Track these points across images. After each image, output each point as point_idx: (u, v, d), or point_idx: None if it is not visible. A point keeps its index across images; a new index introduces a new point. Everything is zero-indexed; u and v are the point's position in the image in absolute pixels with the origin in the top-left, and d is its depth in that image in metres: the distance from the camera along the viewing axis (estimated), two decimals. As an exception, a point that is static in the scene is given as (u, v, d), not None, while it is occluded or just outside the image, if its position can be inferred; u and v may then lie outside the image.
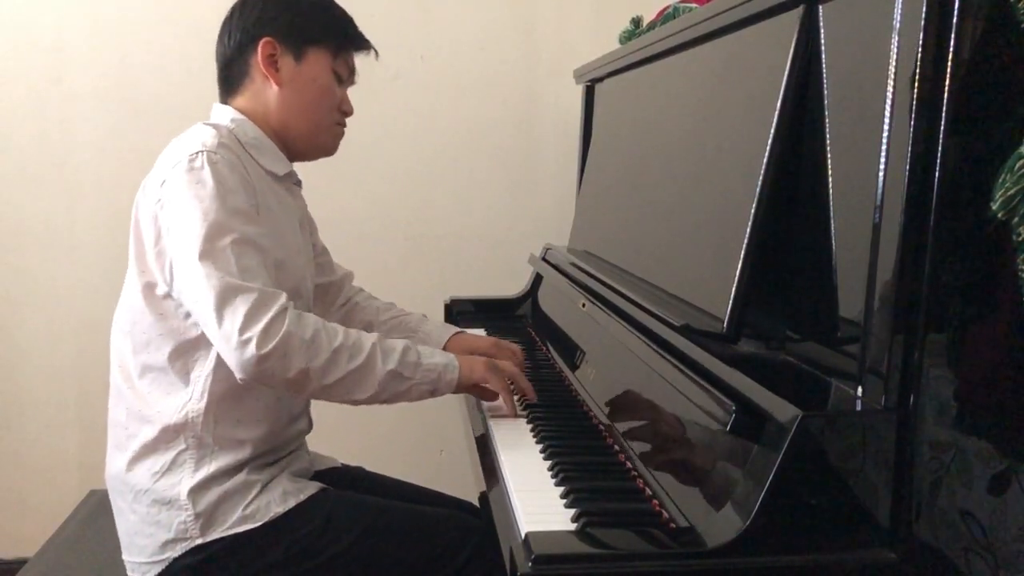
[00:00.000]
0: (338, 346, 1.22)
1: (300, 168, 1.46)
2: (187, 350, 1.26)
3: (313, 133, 1.40)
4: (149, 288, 1.26)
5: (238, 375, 1.19)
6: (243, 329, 1.16)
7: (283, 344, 1.17)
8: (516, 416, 1.39)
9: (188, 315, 1.24)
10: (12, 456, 2.39)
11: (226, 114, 1.36)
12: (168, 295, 1.25)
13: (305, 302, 1.39)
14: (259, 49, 1.33)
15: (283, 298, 1.20)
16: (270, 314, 1.17)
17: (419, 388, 1.29)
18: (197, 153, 1.22)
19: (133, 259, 1.29)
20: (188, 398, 1.26)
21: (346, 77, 1.42)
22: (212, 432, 1.26)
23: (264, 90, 1.35)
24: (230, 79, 1.38)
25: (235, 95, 1.37)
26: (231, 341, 1.17)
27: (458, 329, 1.67)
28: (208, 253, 1.18)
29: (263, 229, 1.25)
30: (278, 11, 1.35)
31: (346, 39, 1.41)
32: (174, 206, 1.21)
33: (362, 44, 1.44)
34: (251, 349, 1.16)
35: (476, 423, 1.44)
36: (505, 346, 1.63)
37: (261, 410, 1.30)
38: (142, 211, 1.26)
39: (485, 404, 1.45)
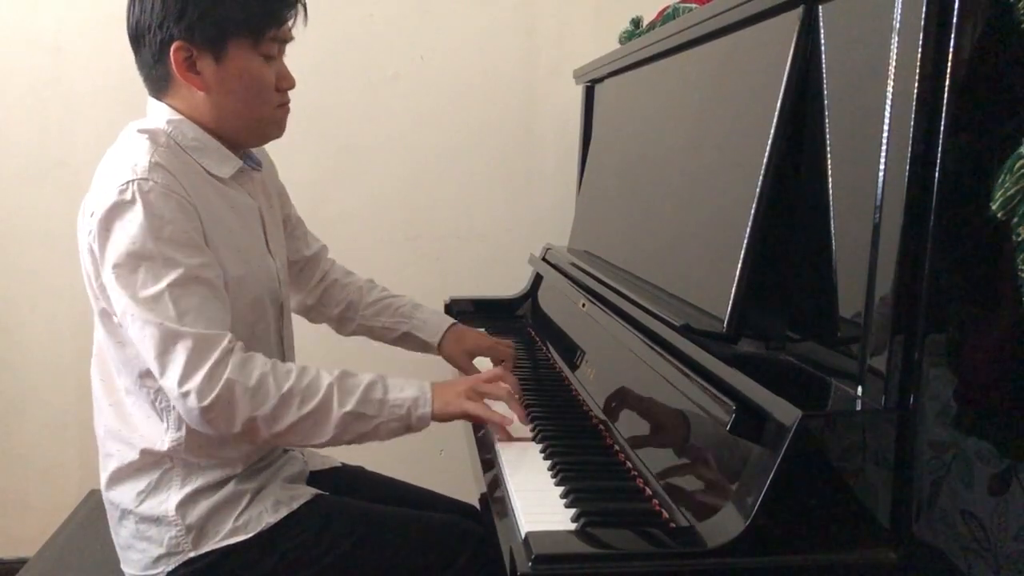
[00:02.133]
0: (287, 391, 1.14)
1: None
2: (149, 376, 1.20)
3: (254, 127, 1.28)
4: (105, 314, 1.22)
5: (191, 424, 1.15)
6: (183, 380, 1.10)
7: (226, 393, 1.11)
8: (512, 440, 1.29)
9: None
10: (12, 456, 2.40)
11: (162, 115, 1.24)
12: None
13: (274, 310, 1.34)
14: (171, 56, 1.19)
15: (225, 341, 1.13)
16: (210, 362, 1.11)
17: (387, 426, 1.21)
18: (127, 183, 1.12)
19: (87, 284, 1.24)
20: (167, 427, 1.22)
21: (277, 52, 1.26)
22: (197, 454, 1.23)
23: (191, 95, 1.23)
24: (154, 79, 1.25)
25: (163, 95, 1.25)
26: (172, 392, 1.12)
27: (453, 320, 1.62)
28: (145, 298, 1.11)
29: (206, 258, 1.16)
30: (181, 6, 1.17)
31: (266, 17, 1.21)
32: (108, 244, 1.13)
33: (287, 12, 1.24)
34: (192, 401, 1.10)
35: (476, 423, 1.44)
36: (503, 347, 1.62)
37: None
38: (81, 240, 1.21)
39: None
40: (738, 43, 1.25)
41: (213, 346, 1.12)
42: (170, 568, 1.24)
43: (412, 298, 1.65)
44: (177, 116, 1.24)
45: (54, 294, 2.31)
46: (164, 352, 1.11)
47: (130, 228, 1.12)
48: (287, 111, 1.31)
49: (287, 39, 1.27)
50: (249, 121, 1.26)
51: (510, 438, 1.30)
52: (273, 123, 1.29)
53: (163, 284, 1.12)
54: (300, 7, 1.26)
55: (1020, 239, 0.83)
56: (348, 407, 1.17)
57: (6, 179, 2.27)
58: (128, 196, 1.12)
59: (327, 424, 1.17)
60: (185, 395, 1.11)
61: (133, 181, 1.13)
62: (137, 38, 1.22)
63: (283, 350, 1.39)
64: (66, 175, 2.27)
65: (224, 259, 1.21)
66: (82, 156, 2.26)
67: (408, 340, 1.62)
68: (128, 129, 1.24)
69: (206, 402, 1.11)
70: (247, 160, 1.33)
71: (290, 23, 1.26)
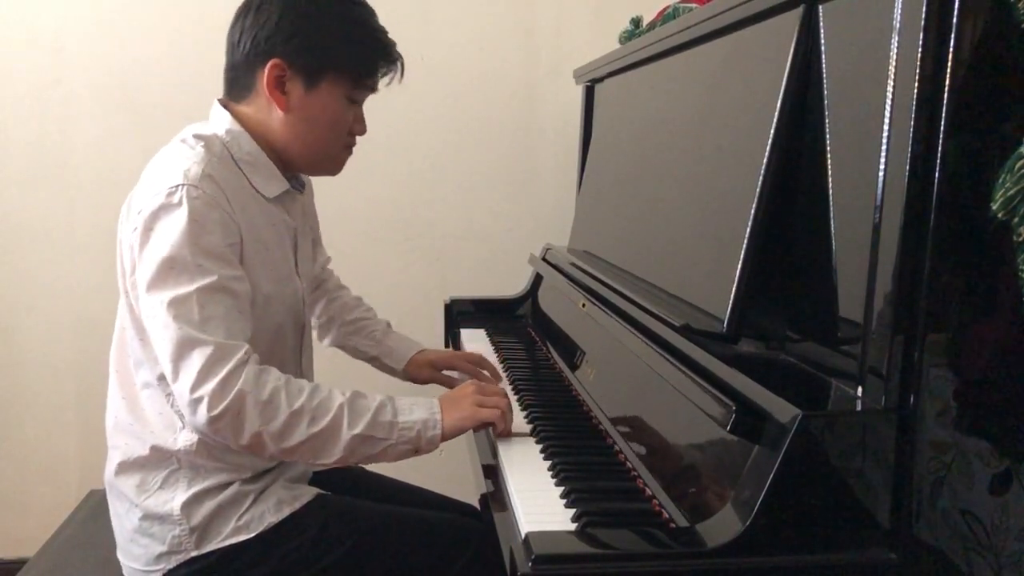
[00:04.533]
0: (298, 408, 1.13)
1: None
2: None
3: (316, 159, 1.31)
4: (133, 309, 1.22)
5: (195, 433, 1.15)
6: (195, 386, 1.09)
7: (236, 404, 1.10)
8: (511, 435, 1.30)
9: None
10: (12, 456, 2.40)
11: (223, 122, 1.26)
12: None
13: (296, 330, 1.35)
14: (266, 70, 1.22)
15: (241, 352, 1.12)
16: (225, 370, 1.10)
17: (396, 449, 1.19)
18: (177, 187, 1.13)
19: (119, 276, 1.24)
20: (180, 427, 1.22)
21: (362, 98, 1.31)
22: (207, 457, 1.23)
23: (268, 110, 1.25)
24: (235, 83, 1.28)
25: (239, 101, 1.28)
26: (183, 398, 1.11)
27: (421, 347, 1.67)
28: (172, 300, 1.11)
29: (238, 272, 1.17)
30: (295, 29, 1.21)
31: (368, 67, 1.27)
32: (146, 241, 1.14)
33: (388, 67, 1.29)
34: (202, 409, 1.09)
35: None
36: (466, 356, 1.65)
37: None
38: (123, 234, 1.21)
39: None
40: (738, 43, 1.25)
41: (229, 355, 1.11)
42: (171, 566, 1.24)
43: (387, 321, 1.70)
44: (237, 127, 1.25)
45: (53, 294, 2.31)
46: (180, 357, 1.11)
47: (171, 232, 1.13)
48: (350, 154, 1.34)
49: (375, 90, 1.31)
50: (315, 152, 1.29)
51: (509, 434, 1.31)
52: (334, 161, 1.33)
53: (192, 288, 1.12)
54: (399, 66, 1.31)
55: (1020, 239, 0.83)
56: (357, 429, 1.16)
57: (6, 179, 2.27)
58: (176, 200, 1.13)
59: (335, 445, 1.16)
60: (196, 402, 1.10)
61: (183, 186, 1.14)
62: (239, 42, 1.24)
63: (301, 371, 1.41)
64: (66, 175, 2.27)
65: (257, 276, 1.22)
66: (82, 156, 2.26)
67: (377, 364, 1.69)
68: (185, 132, 1.25)
69: (216, 411, 1.09)
70: (293, 182, 1.35)
71: (385, 78, 1.30)
